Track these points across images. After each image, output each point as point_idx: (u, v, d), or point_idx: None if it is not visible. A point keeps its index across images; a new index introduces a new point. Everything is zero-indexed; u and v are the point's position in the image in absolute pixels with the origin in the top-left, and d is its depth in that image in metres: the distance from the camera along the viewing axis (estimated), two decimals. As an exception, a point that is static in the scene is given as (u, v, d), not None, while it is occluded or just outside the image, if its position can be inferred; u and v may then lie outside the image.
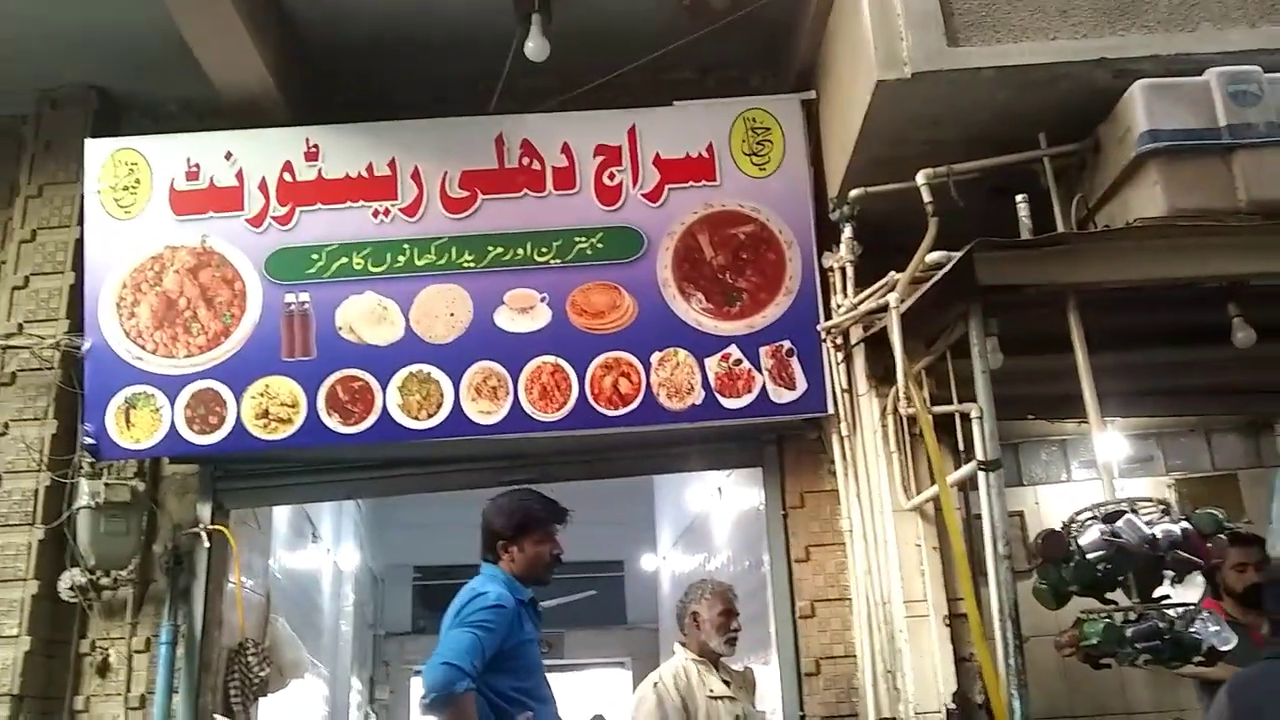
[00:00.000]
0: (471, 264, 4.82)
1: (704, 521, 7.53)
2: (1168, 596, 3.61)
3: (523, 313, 4.76)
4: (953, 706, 4.09)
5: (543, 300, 4.76)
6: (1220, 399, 4.78)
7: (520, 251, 4.82)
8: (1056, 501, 5.12)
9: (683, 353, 4.71)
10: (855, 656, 4.69)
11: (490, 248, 4.82)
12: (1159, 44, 4.03)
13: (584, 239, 4.82)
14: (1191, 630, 3.52)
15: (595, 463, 5.11)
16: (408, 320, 4.77)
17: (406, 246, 4.83)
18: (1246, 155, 3.84)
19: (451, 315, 4.78)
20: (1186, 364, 4.29)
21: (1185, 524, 3.53)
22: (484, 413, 4.69)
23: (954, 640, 4.23)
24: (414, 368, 4.73)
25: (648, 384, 4.68)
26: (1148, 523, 3.51)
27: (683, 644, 4.41)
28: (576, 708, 8.10)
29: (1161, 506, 3.60)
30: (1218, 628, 3.61)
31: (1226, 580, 4.58)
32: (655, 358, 4.71)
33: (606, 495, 9.18)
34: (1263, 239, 3.83)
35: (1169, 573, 3.62)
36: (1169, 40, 4.04)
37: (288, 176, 4.92)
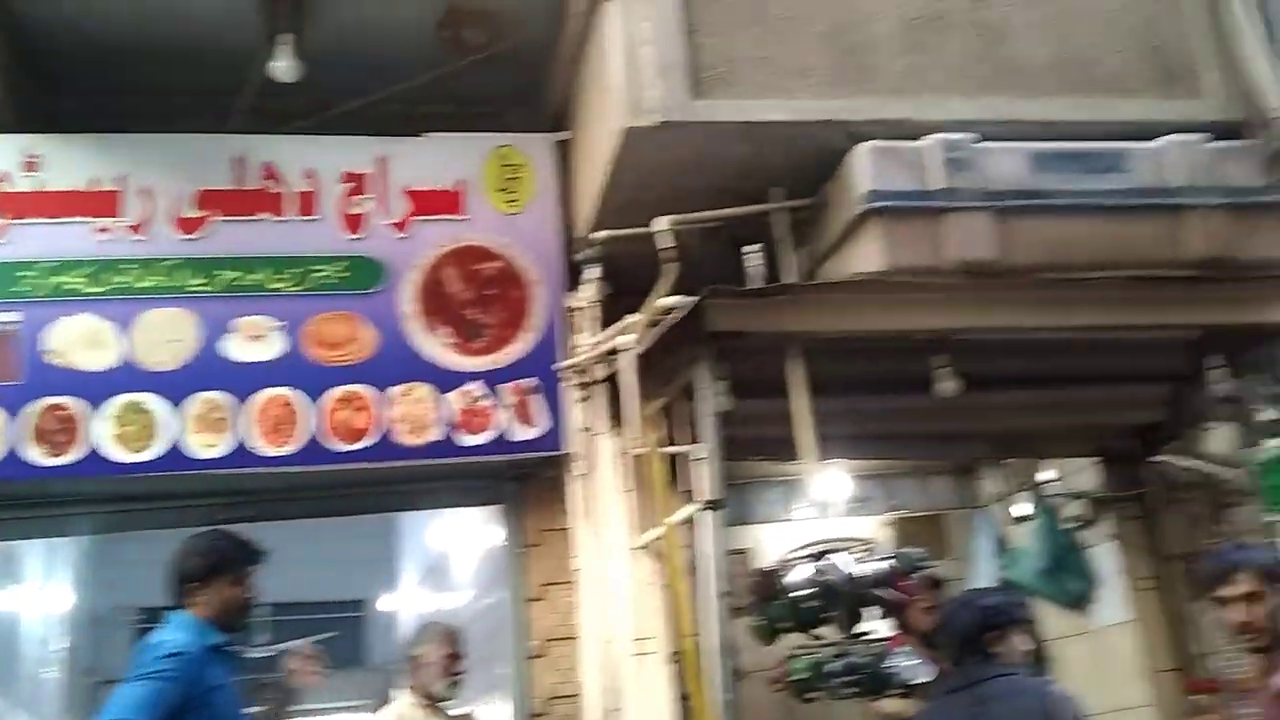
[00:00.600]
0: (201, 288, 4.57)
1: (446, 560, 7.41)
2: (870, 632, 3.84)
3: (254, 340, 4.54)
4: (673, 744, 4.15)
5: (277, 329, 4.56)
6: (930, 444, 5.11)
7: (255, 276, 4.61)
8: (781, 539, 5.32)
9: (424, 387, 4.62)
10: (579, 696, 4.69)
11: (222, 271, 4.58)
12: (886, 109, 4.28)
13: (324, 267, 4.66)
14: (887, 665, 3.74)
15: (327, 500, 4.92)
16: (128, 346, 4.46)
17: (130, 266, 4.53)
18: (957, 218, 4.12)
19: (176, 341, 4.51)
20: (900, 410, 4.56)
21: (887, 562, 3.76)
22: (207, 445, 4.43)
23: (681, 678, 4.30)
24: (131, 396, 4.43)
25: (384, 419, 4.56)
26: (852, 562, 3.71)
27: (408, 687, 4.29)
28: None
29: (866, 546, 3.81)
30: (912, 662, 3.86)
31: (913, 618, 4.88)
32: (394, 392, 4.59)
33: (346, 533, 8.90)
34: (967, 296, 4.14)
35: (872, 609, 3.85)
36: (895, 106, 4.30)
37: (5, 186, 4.54)
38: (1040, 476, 5.62)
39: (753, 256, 4.15)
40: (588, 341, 4.59)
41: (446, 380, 4.65)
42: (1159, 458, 4.69)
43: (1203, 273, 4.34)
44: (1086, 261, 4.23)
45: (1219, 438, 4.65)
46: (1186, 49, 4.68)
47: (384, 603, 10.98)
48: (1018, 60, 4.47)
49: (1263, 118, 4.61)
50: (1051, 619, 5.37)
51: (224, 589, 3.37)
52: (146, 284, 4.53)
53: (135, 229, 4.58)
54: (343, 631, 12.28)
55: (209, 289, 4.57)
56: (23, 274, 4.47)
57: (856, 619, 3.83)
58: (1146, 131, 4.42)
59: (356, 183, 4.77)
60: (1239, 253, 4.38)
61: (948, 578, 5.10)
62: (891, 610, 3.86)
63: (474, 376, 4.67)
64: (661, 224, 4.18)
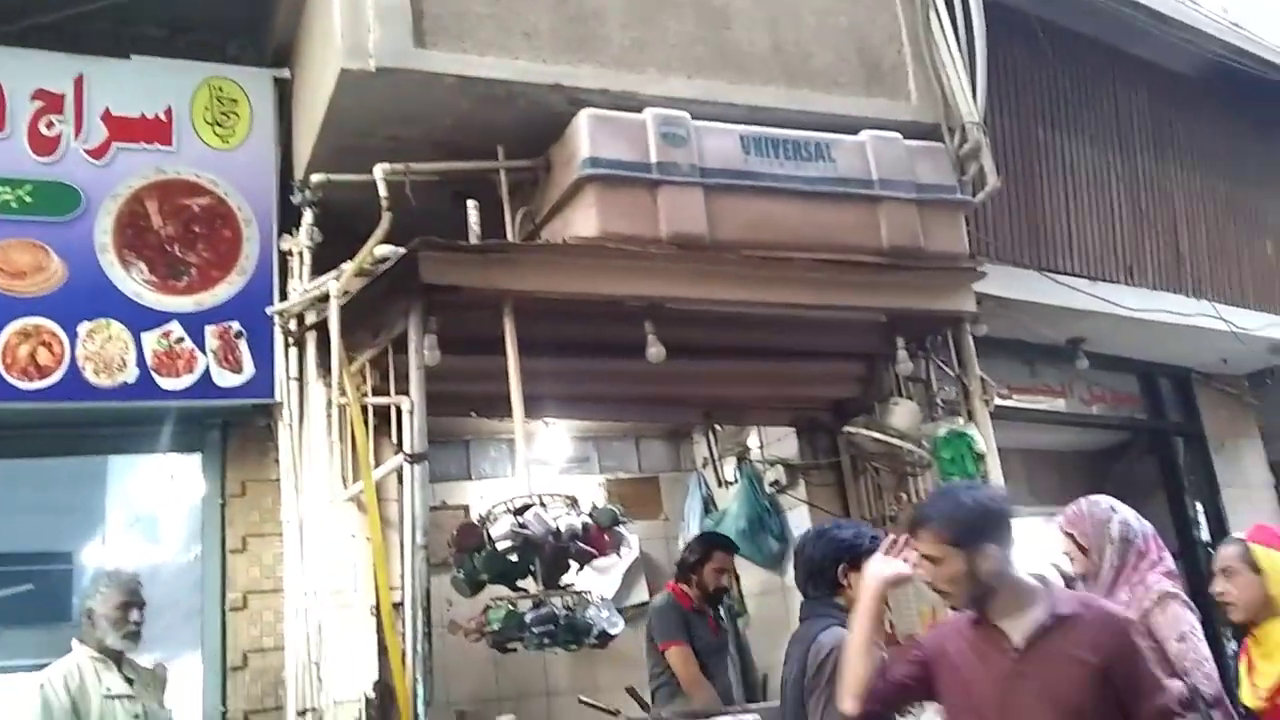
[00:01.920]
0: None
1: (152, 511, 7.05)
2: (571, 585, 3.94)
3: (-77, 263, 4.16)
4: (371, 695, 4.14)
5: (-50, 251, 4.20)
6: (642, 408, 5.29)
7: (-71, 194, 4.22)
8: (500, 496, 5.38)
9: (116, 325, 4.35)
10: (284, 649, 4.61)
11: (-108, 184, 4.17)
12: (609, 79, 4.38)
13: (9, 189, 4.31)
14: (585, 615, 3.85)
15: (12, 440, 4.57)
16: None
17: None
18: (670, 191, 4.28)
19: None
20: (612, 374, 4.68)
21: (586, 518, 3.87)
22: None
23: (379, 630, 4.29)
24: None
25: (73, 357, 4.28)
26: (554, 516, 3.80)
27: (80, 640, 4.07)
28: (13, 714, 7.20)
29: (569, 500, 3.91)
30: (609, 613, 3.99)
31: (703, 576, 5.09)
32: (84, 328, 4.31)
33: (49, 481, 8.28)
34: (677, 266, 4.30)
35: (573, 562, 3.95)
36: (618, 77, 4.41)
37: None
38: (746, 443, 5.94)
39: (472, 213, 4.14)
40: (301, 287, 4.46)
41: (143, 319, 4.40)
42: (850, 429, 5.02)
43: (893, 260, 4.69)
44: (790, 242, 4.48)
45: (903, 413, 5.02)
46: (892, 52, 5.03)
47: (89, 555, 10.30)
48: (738, 46, 4.66)
49: (955, 123, 5.02)
50: (750, 575, 5.70)
51: None
52: None
53: None
54: (44, 585, 11.48)
55: (-125, 202, 4.15)
56: None
57: (557, 572, 3.91)
58: (851, 125, 4.73)
59: (50, 102, 4.43)
60: (925, 244, 4.76)
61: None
62: (590, 561, 3.96)
63: (174, 316, 4.45)
64: (378, 171, 4.10)
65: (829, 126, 4.66)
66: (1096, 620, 2.65)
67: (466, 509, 5.55)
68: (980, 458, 4.92)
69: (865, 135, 4.68)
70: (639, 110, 4.35)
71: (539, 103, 4.29)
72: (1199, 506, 7.80)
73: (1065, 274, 6.26)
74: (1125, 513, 3.54)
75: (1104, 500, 3.61)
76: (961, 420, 5.02)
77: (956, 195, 4.92)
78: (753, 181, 4.40)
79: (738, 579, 5.55)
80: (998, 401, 5.36)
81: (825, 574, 3.39)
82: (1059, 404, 7.19)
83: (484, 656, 5.19)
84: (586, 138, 4.19)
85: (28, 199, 4.32)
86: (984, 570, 2.67)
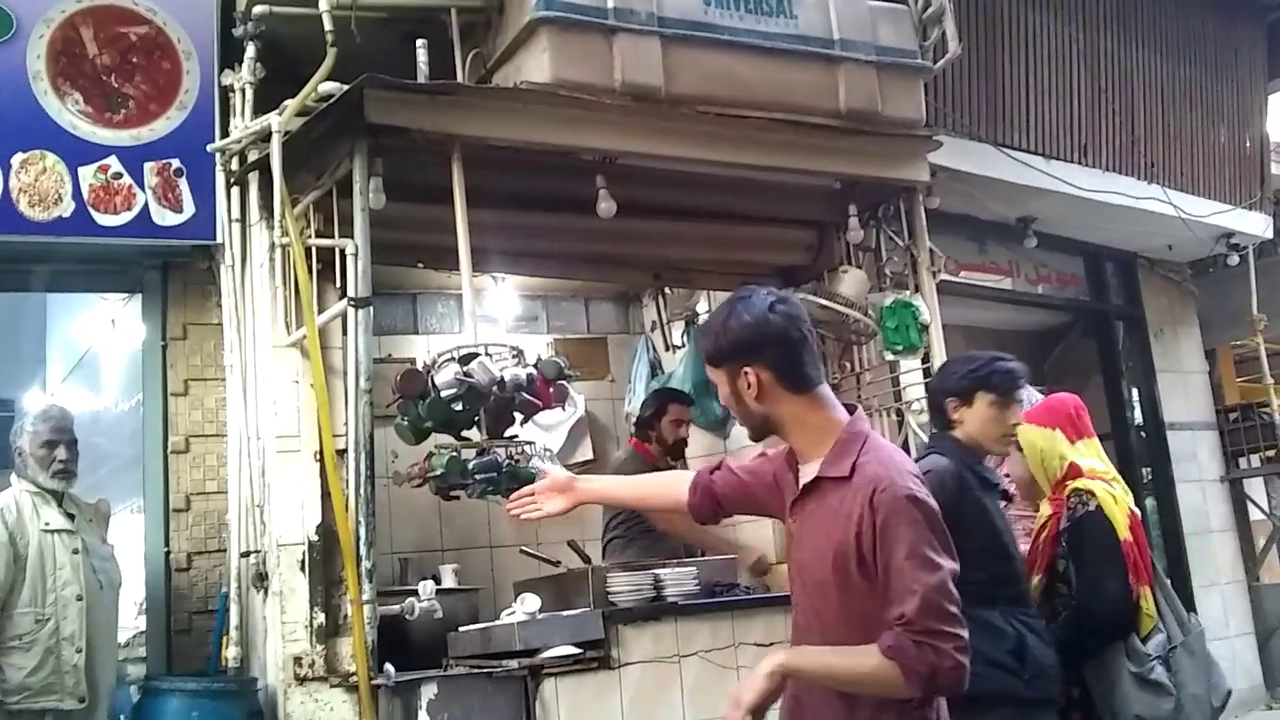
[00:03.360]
0: None
1: (95, 356, 6.96)
2: (516, 437, 3.96)
3: None
4: (315, 538, 4.17)
5: None
6: (591, 267, 5.25)
7: None
8: (446, 348, 5.37)
9: (51, 157, 4.23)
10: (227, 493, 4.62)
11: None
12: (563, -85, 4.21)
13: (-67, 8, 4.12)
14: (529, 466, 3.88)
15: (-63, 272, 4.47)
16: None
17: None
18: (626, 39, 4.16)
19: None
20: (562, 229, 4.63)
21: (531, 369, 3.86)
22: None
23: (323, 475, 4.30)
24: None
25: (5, 188, 4.15)
26: (499, 366, 3.79)
27: (20, 476, 4.05)
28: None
29: (514, 352, 3.90)
30: (554, 465, 4.03)
31: (661, 430, 5.14)
32: (17, 159, 4.18)
33: (-10, 327, 8.15)
34: (631, 120, 4.22)
35: (518, 415, 3.97)
36: (573, -86, 4.24)
37: None
38: (695, 307, 5.95)
39: (421, 53, 4.02)
40: (243, 125, 4.33)
41: (80, 152, 4.28)
42: (799, 295, 5.03)
43: (849, 124, 4.64)
44: (747, 100, 4.41)
45: (851, 281, 5.03)
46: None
47: (31, 401, 10.18)
48: (704, -111, 4.48)
49: (920, -16, 4.92)
50: (696, 439, 5.78)
51: None
52: None
53: None
54: (-18, 431, 11.37)
55: None
56: None
57: (505, 422, 3.92)
58: (814, -20, 4.60)
59: (-24, -84, 4.20)
60: (883, 109, 4.71)
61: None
62: (533, 413, 3.98)
63: (112, 150, 4.31)
64: (324, 4, 3.95)
65: (792, -19, 4.55)
66: (857, 487, 2.11)
67: (412, 361, 5.52)
68: (924, 328, 4.97)
69: (829, -8, 4.58)
70: (598, -49, 4.19)
71: (495, -62, 4.14)
72: (1135, 391, 7.99)
73: (1020, 150, 6.24)
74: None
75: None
76: (908, 292, 5.06)
77: (917, 60, 4.85)
78: (712, 34, 4.30)
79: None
80: (944, 276, 5.39)
81: (937, 408, 3.21)
82: (1005, 283, 7.26)
83: (428, 508, 5.28)
84: (542, -23, 4.05)
85: (-47, 18, 4.13)
86: (749, 395, 2.20)
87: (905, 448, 4.62)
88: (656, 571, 4.27)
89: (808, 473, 2.23)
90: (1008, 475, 3.41)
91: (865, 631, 2.06)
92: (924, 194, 5.11)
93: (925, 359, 5.03)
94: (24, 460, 4.01)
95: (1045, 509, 3.22)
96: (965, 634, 2.03)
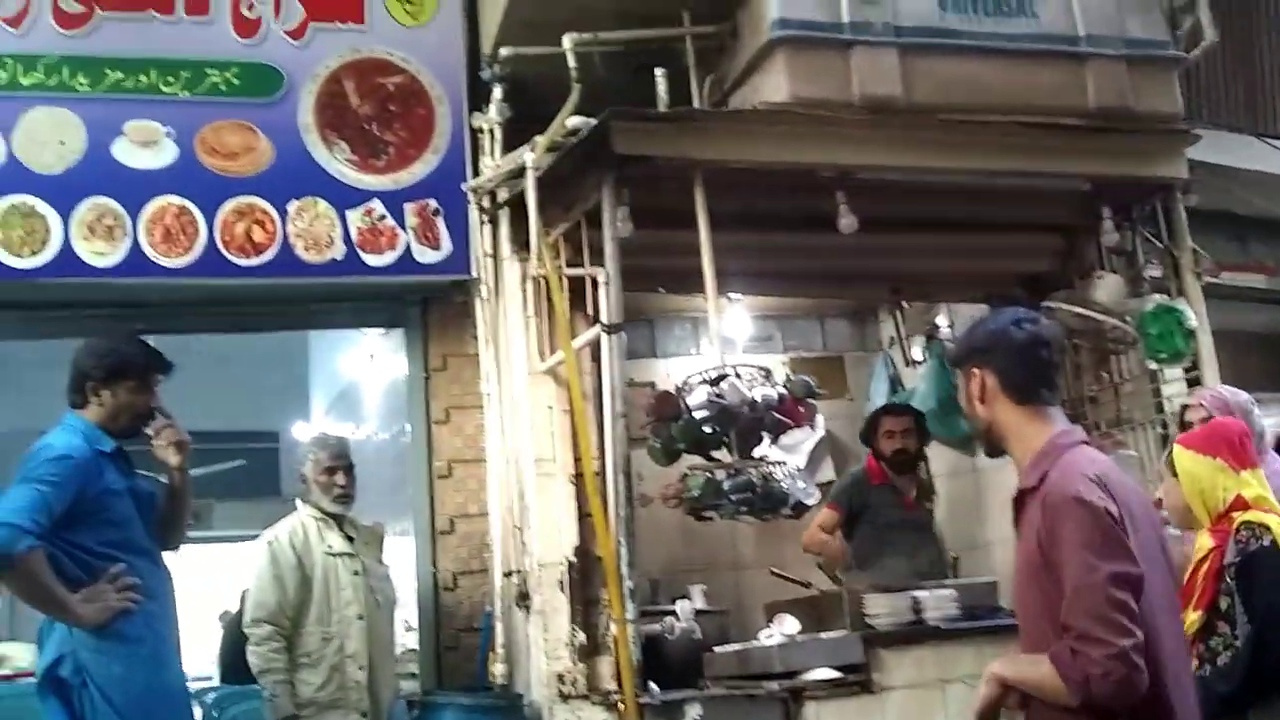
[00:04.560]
0: (86, 88, 4.39)
1: (356, 388, 7.44)
2: (765, 456, 3.96)
3: (145, 146, 4.40)
4: (573, 559, 4.30)
5: (168, 135, 4.42)
6: (828, 284, 5.20)
7: (143, 79, 4.44)
8: (686, 373, 5.43)
9: (323, 203, 4.54)
10: (488, 515, 4.82)
11: (108, 71, 4.40)
12: (798, -65, 4.21)
13: (217, 72, 4.50)
14: (781, 485, 3.87)
15: (227, 315, 4.87)
16: (9, 146, 4.30)
17: (9, 62, 4.33)
18: (863, 52, 4.12)
19: (62, 143, 4.35)
20: (800, 248, 4.61)
21: (782, 389, 3.86)
22: (98, 254, 4.33)
23: (579, 498, 4.42)
24: (16, 199, 4.29)
25: (284, 234, 4.49)
26: (749, 386, 3.80)
27: (304, 501, 4.35)
28: (227, 580, 7.84)
29: (763, 372, 3.90)
30: (804, 484, 4.01)
31: (878, 445, 5.08)
32: (293, 206, 4.51)
33: (258, 362, 8.83)
34: (870, 134, 4.17)
35: (765, 435, 3.97)
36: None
37: None
38: (935, 321, 5.79)
39: (660, 82, 4.10)
40: (492, 163, 4.53)
41: (347, 197, 4.58)
42: (1051, 304, 4.82)
43: (1099, 123, 4.43)
44: (988, 104, 4.27)
45: (1108, 287, 4.79)
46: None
47: (297, 432, 10.98)
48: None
49: (1169, -28, 4.65)
50: (941, 457, 5.62)
51: (124, 394, 3.25)
52: (28, 81, 4.36)
53: (11, 22, 4.36)
54: (255, 462, 12.32)
55: (94, 89, 4.40)
56: (-105, 67, 4.25)
57: (753, 442, 3.93)
58: (1057, -24, 4.42)
59: (249, -17, 4.58)
60: (1135, 104, 4.47)
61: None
62: (784, 432, 3.97)
63: (375, 195, 4.60)
64: (567, 42, 4.09)
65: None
66: (1040, 497, 2.13)
67: (653, 385, 5.62)
68: (1190, 334, 4.66)
69: (1072, -13, 4.39)
70: (831, -32, 4.17)
71: (726, -36, 4.18)
72: None
73: (1285, 139, 5.81)
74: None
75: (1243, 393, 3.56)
76: (1169, 296, 4.77)
77: (1169, 51, 4.58)
78: (950, 40, 4.20)
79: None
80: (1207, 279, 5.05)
81: None
82: (1270, 283, 6.72)
83: (673, 529, 5.32)
84: (777, -1, 4.06)
85: (235, 81, 4.51)
86: (975, 398, 2.28)
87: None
88: (915, 594, 4.16)
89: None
90: (1160, 502, 3.11)
91: (1058, 638, 2.05)
92: (1183, 191, 4.81)
93: (1191, 367, 4.72)
94: (308, 486, 4.30)
95: (1206, 540, 2.92)
96: (1124, 641, 1.96)
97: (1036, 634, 2.14)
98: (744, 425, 3.86)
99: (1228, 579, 2.84)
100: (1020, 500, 2.23)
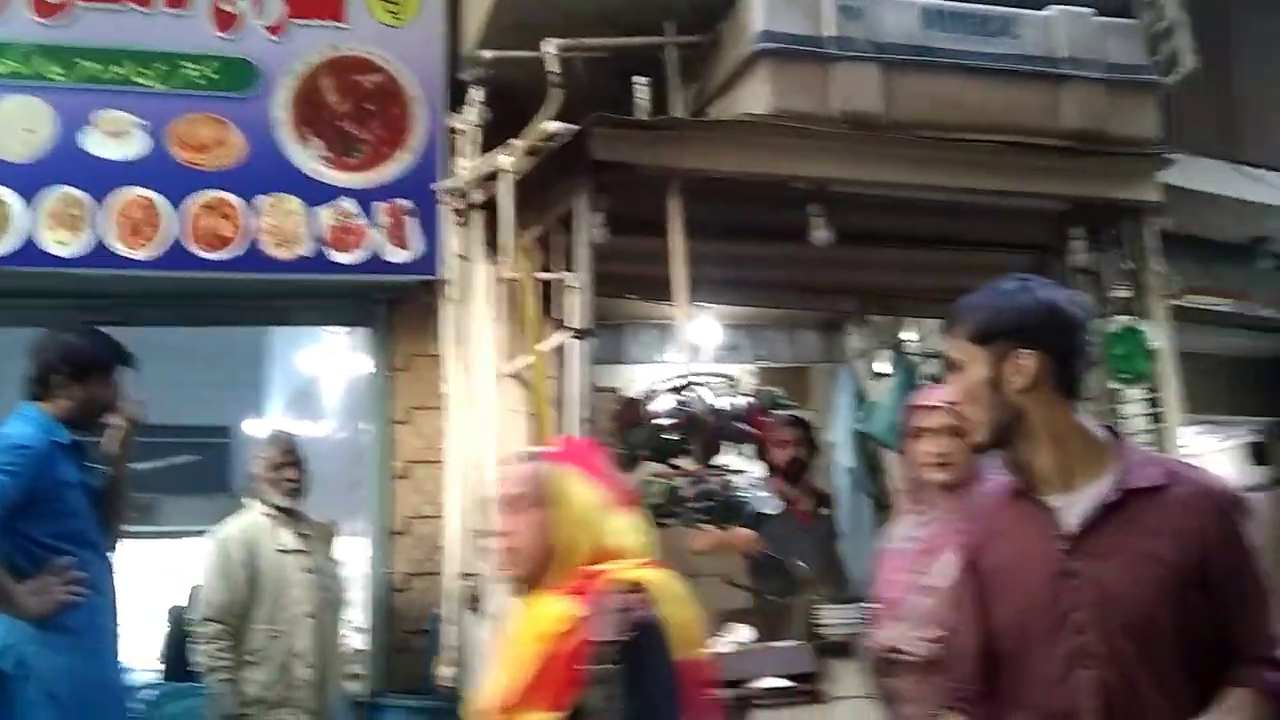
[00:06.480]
0: (59, 77, 4.31)
1: (314, 385, 7.34)
2: (727, 464, 3.96)
3: (115, 138, 4.34)
4: (531, 564, 4.25)
5: (140, 127, 4.35)
6: (799, 295, 5.20)
7: (118, 70, 4.37)
8: (651, 380, 5.39)
9: (294, 200, 4.49)
10: (443, 517, 4.76)
11: (82, 61, 4.32)
12: (780, -51, 4.20)
13: (193, 66, 4.44)
14: (740, 494, 3.88)
15: (190, 309, 4.80)
16: (-25, 132, 4.21)
17: (-21, 47, 4.24)
18: (845, 67, 4.12)
19: (30, 132, 4.27)
20: (774, 258, 4.61)
21: (746, 399, 3.86)
22: (61, 243, 4.26)
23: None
24: (-20, 186, 4.20)
25: (252, 229, 4.43)
26: (716, 395, 3.80)
27: (255, 499, 4.30)
28: (175, 576, 7.72)
29: (728, 382, 3.90)
30: (765, 494, 4.01)
31: (773, 456, 5.05)
32: (263, 201, 4.45)
33: (212, 356, 8.70)
34: (849, 147, 4.17)
35: (730, 442, 3.97)
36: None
37: None
38: (902, 335, 5.80)
39: (640, 89, 4.08)
40: (468, 165, 4.49)
41: (318, 194, 4.52)
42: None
43: (1077, 144, 4.46)
44: (968, 123, 4.29)
45: (1072, 308, 4.81)
46: (1082, -79, 4.69)
47: (250, 428, 10.81)
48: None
49: (1148, -3, 4.70)
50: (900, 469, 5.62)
51: (92, 388, 3.21)
52: (1, 70, 4.26)
53: (-14, 9, 4.28)
54: (207, 457, 12.14)
55: (67, 79, 4.32)
56: None
57: (714, 450, 3.93)
58: (1037, -1, 4.46)
59: (229, -23, 4.51)
60: (1113, 127, 4.51)
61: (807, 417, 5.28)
62: (749, 444, 3.98)
63: (347, 193, 4.55)
64: (549, 47, 4.06)
65: (1012, 1, 4.42)
66: (1186, 496, 1.83)
67: (616, 390, 5.59)
68: (1152, 355, 4.71)
69: (1052, 10, 4.43)
70: (813, -18, 4.17)
71: (710, -26, 4.17)
72: (1379, 421, 7.35)
73: (1256, 166, 5.87)
74: None
75: None
76: (1134, 317, 4.81)
77: (1148, 76, 4.63)
78: (932, 58, 4.21)
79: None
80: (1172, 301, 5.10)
81: None
82: (1235, 307, 6.80)
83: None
84: (760, 10, 4.06)
85: (213, 75, 4.46)
86: (1012, 385, 1.89)
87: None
88: (866, 604, 4.16)
89: (1079, 501, 1.88)
90: None
91: (1201, 669, 1.79)
92: (1155, 214, 4.86)
93: (1152, 388, 4.77)
94: (258, 484, 4.26)
95: None
96: None
97: (1170, 667, 1.80)
98: (708, 434, 3.86)
99: None
100: (1119, 506, 1.85)
